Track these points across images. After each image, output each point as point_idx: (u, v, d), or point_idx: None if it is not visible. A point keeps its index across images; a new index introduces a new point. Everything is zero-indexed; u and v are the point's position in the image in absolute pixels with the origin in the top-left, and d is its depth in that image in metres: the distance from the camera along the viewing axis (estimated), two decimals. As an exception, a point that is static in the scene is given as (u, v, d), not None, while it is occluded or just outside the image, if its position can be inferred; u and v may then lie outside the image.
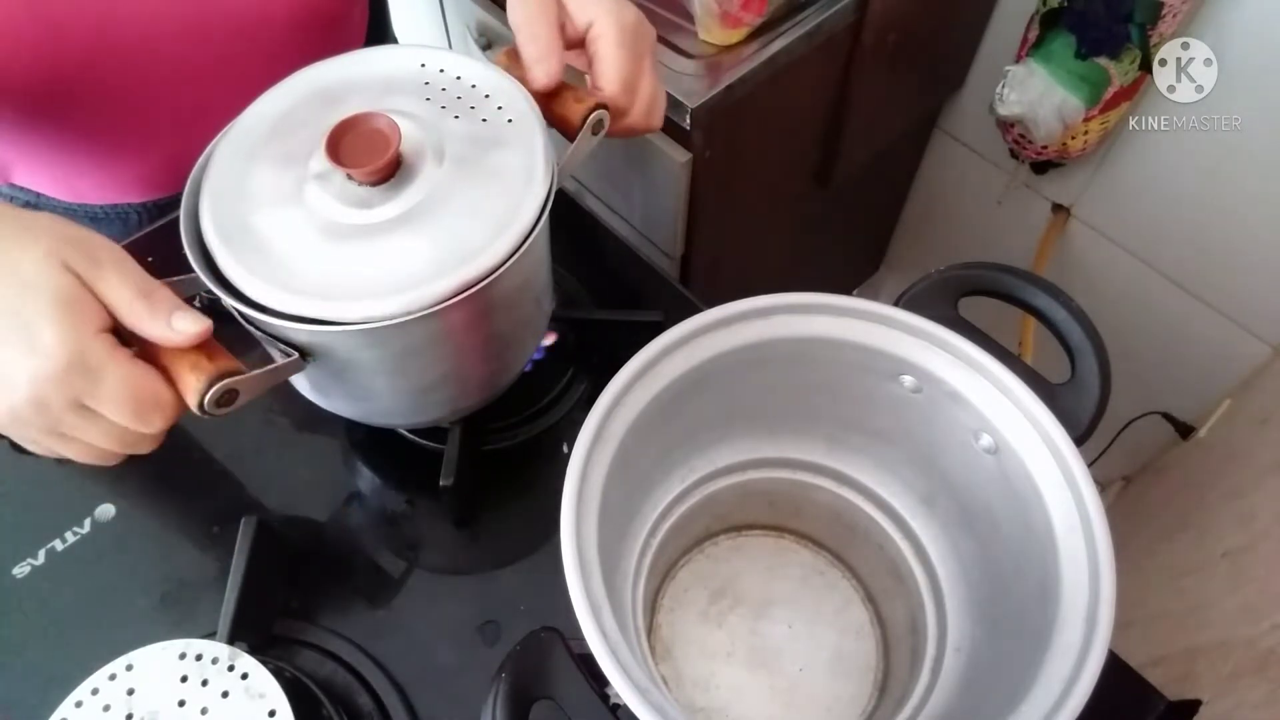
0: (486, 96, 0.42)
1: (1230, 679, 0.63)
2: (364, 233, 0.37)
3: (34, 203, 0.63)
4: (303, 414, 0.53)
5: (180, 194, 0.62)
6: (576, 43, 0.46)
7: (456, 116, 0.41)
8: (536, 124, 0.41)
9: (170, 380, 0.35)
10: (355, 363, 0.40)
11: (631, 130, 0.49)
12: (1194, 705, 0.58)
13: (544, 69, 0.44)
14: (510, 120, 0.41)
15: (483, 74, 0.43)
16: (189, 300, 0.38)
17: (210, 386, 0.34)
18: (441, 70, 0.43)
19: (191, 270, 0.37)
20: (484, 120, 0.41)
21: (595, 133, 0.45)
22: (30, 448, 0.36)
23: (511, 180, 0.39)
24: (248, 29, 0.55)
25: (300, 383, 0.45)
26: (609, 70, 0.46)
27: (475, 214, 0.38)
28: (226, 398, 0.35)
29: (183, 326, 0.35)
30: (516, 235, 0.38)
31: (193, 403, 0.35)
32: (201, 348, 0.35)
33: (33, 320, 0.32)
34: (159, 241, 0.60)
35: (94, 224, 0.63)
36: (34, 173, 0.61)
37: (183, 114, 0.58)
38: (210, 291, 0.37)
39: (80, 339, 0.33)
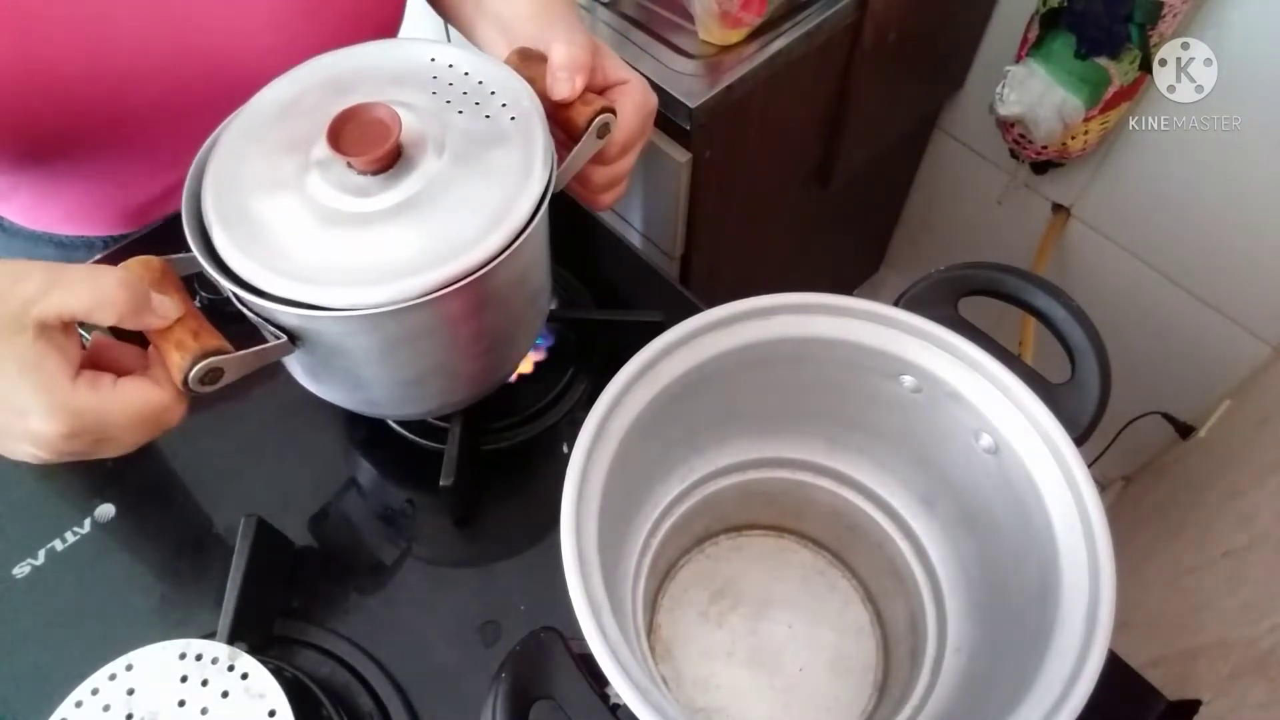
0: (492, 93, 0.42)
1: (1230, 679, 0.63)
2: (360, 221, 0.37)
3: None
4: (303, 413, 0.53)
5: (150, 228, 0.62)
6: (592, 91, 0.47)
7: (460, 111, 0.41)
8: (539, 123, 0.41)
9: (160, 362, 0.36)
10: (343, 349, 0.40)
11: (589, 188, 0.50)
12: (1194, 705, 0.58)
13: (569, 80, 0.44)
14: (514, 118, 0.41)
15: (491, 71, 0.43)
16: (186, 280, 0.38)
17: (194, 364, 0.35)
18: (450, 65, 0.43)
19: (189, 249, 0.38)
20: (487, 116, 0.41)
21: (600, 136, 0.45)
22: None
23: (510, 177, 0.39)
24: (229, 78, 0.54)
25: (293, 367, 0.45)
26: (621, 123, 0.47)
27: (471, 208, 0.38)
28: (211, 376, 0.35)
29: (166, 310, 0.35)
30: (509, 231, 0.38)
31: (177, 379, 0.35)
32: (188, 326, 0.36)
33: (12, 399, 0.33)
34: (164, 235, 0.60)
35: (59, 250, 0.63)
36: (11, 211, 0.61)
37: (161, 156, 0.57)
38: (212, 279, 0.37)
39: (63, 399, 0.33)
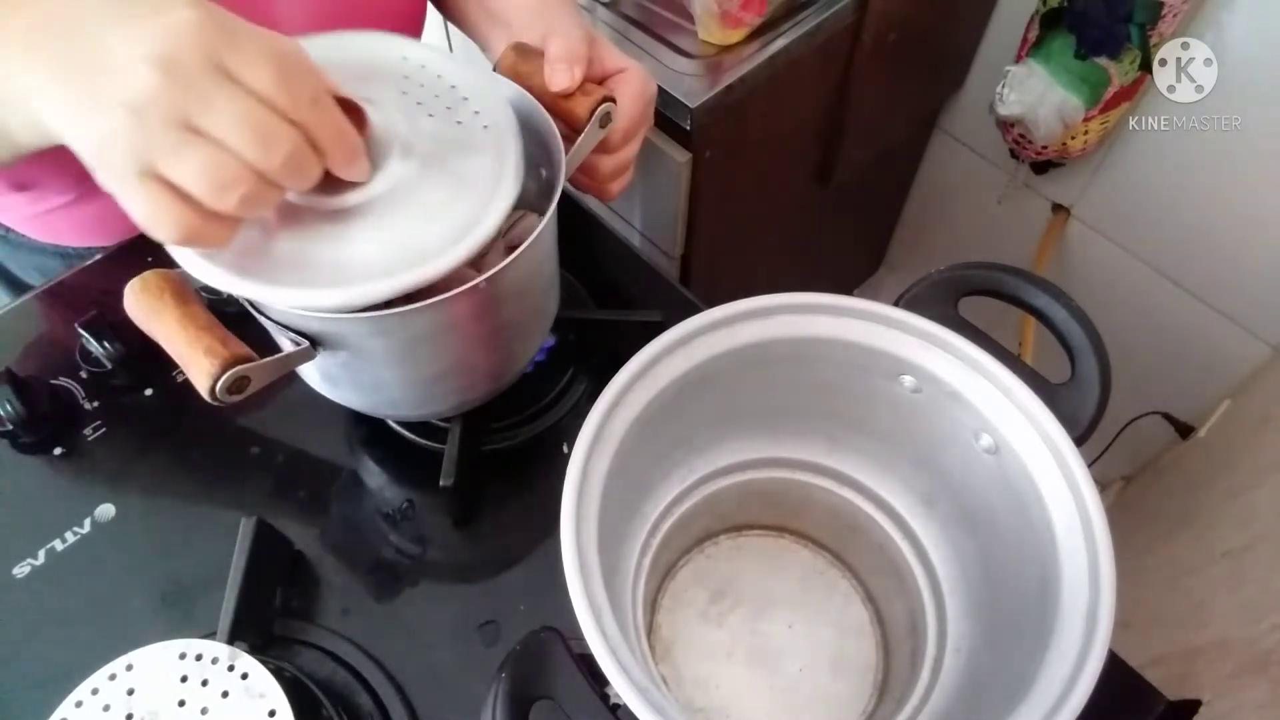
0: (465, 99, 0.41)
1: (1230, 679, 0.63)
2: (331, 219, 0.36)
3: (3, 236, 0.63)
4: (303, 414, 0.53)
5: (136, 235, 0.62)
6: (591, 82, 0.47)
7: (431, 114, 0.40)
8: (512, 135, 0.40)
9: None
10: (364, 350, 0.40)
11: (596, 178, 0.50)
12: (1194, 705, 0.58)
13: (567, 71, 0.44)
14: (485, 127, 0.40)
15: (463, 74, 0.42)
16: (198, 292, 0.38)
17: (224, 371, 0.35)
18: (423, 66, 0.41)
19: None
20: (459, 123, 0.40)
21: (602, 125, 0.45)
22: (137, 179, 0.30)
23: (478, 183, 0.38)
24: None
25: (309, 374, 0.45)
26: (622, 111, 0.47)
27: (435, 217, 0.37)
28: (238, 385, 0.36)
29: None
30: (480, 240, 0.37)
31: (204, 387, 0.35)
32: (215, 334, 0.36)
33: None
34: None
35: (63, 261, 0.63)
36: (25, 220, 0.61)
37: None
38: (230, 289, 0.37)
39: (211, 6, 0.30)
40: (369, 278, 0.35)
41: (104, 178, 0.31)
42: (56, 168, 0.53)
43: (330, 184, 0.36)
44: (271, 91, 0.30)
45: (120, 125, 0.29)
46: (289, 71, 0.31)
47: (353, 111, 0.35)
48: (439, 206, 0.37)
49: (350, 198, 0.36)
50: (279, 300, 0.35)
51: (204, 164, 0.30)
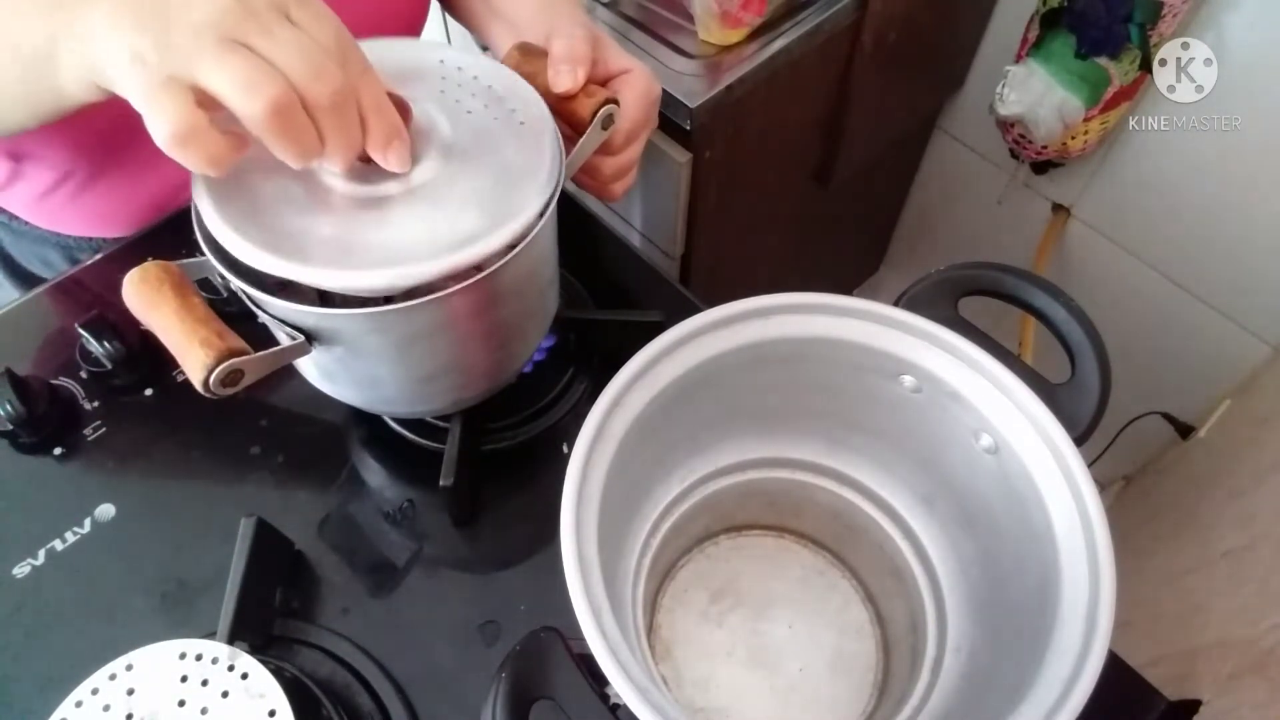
0: (501, 98, 0.42)
1: (1230, 679, 0.63)
2: (365, 205, 0.37)
3: (6, 224, 0.63)
4: (303, 414, 0.53)
5: (144, 231, 0.62)
6: (595, 83, 0.47)
7: (469, 111, 0.41)
8: (549, 128, 0.42)
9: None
10: (360, 347, 0.40)
11: (598, 179, 0.50)
12: (1194, 705, 0.58)
13: (570, 72, 0.44)
14: (523, 123, 0.41)
15: (499, 75, 0.43)
16: (199, 283, 0.38)
17: (218, 364, 0.35)
18: (459, 68, 0.43)
19: (201, 254, 0.38)
20: (496, 119, 0.41)
21: (605, 127, 0.45)
22: (162, 85, 0.31)
23: (518, 174, 0.39)
24: None
25: (307, 369, 0.45)
26: (625, 113, 0.47)
27: (478, 203, 0.38)
28: (232, 378, 0.36)
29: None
30: (520, 226, 0.38)
31: (198, 379, 0.35)
32: (212, 327, 0.36)
33: None
34: (159, 238, 0.60)
35: (63, 251, 0.63)
36: (26, 205, 0.61)
37: None
38: (222, 276, 0.37)
39: None
40: (414, 259, 0.35)
41: (131, 85, 0.31)
42: (47, 137, 0.53)
43: (372, 172, 0.37)
44: (330, 45, 0.32)
45: (171, 38, 0.30)
46: (346, 37, 0.32)
47: (397, 107, 0.36)
48: (481, 194, 0.38)
49: (391, 186, 0.37)
50: (323, 282, 0.35)
51: (244, 67, 0.30)
